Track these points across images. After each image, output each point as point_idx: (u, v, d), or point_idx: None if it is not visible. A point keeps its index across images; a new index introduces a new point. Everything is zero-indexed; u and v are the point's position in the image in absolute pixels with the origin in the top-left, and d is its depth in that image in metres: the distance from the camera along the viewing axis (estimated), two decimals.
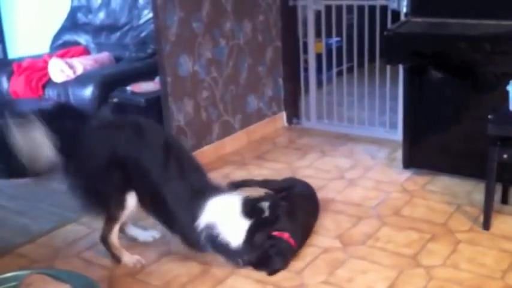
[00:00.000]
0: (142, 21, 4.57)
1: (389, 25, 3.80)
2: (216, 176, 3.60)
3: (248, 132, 4.25)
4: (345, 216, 3.07)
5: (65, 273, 2.23)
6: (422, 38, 3.22)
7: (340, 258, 2.66)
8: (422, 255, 2.65)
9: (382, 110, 4.20)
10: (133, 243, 2.87)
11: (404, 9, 3.77)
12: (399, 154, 3.64)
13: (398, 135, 3.88)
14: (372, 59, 4.21)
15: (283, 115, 4.58)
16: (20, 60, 4.65)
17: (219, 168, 3.76)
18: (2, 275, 2.21)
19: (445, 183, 3.37)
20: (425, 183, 3.40)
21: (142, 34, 4.52)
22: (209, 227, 2.53)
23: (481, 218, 2.88)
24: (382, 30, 3.71)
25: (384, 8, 4.00)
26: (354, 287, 2.45)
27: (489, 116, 2.74)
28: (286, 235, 2.61)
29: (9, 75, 4.50)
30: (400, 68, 3.77)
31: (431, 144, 3.43)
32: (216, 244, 2.55)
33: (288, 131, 4.48)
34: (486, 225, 2.84)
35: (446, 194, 3.24)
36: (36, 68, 4.42)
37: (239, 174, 3.65)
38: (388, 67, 3.99)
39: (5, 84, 4.50)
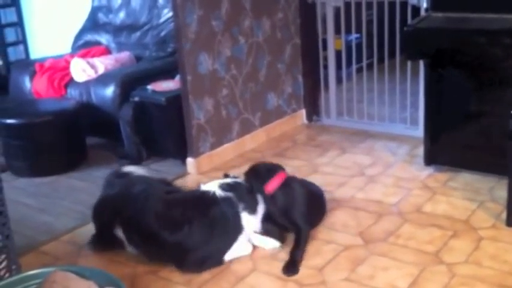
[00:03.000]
0: (162, 20, 4.60)
1: (409, 21, 3.78)
2: (236, 174, 3.62)
3: (268, 130, 4.25)
4: (366, 213, 3.05)
5: (88, 270, 2.25)
6: (443, 33, 3.19)
7: (362, 255, 2.66)
8: (444, 252, 2.63)
9: (402, 106, 4.17)
10: None
11: (424, 4, 3.74)
12: (420, 151, 3.61)
13: (419, 131, 3.86)
14: (392, 55, 4.18)
15: (303, 112, 4.57)
16: (42, 60, 4.71)
17: (239, 166, 3.76)
18: (27, 272, 2.24)
19: (466, 179, 3.34)
20: (446, 179, 3.37)
21: (162, 33, 4.55)
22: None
23: (504, 215, 2.85)
24: (402, 25, 3.69)
25: (404, 4, 3.97)
26: (376, 284, 2.44)
27: (511, 111, 2.71)
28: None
29: (32, 75, 4.56)
30: (421, 63, 3.74)
31: (452, 141, 3.39)
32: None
33: (308, 128, 4.47)
34: (509, 221, 2.81)
35: (468, 191, 3.21)
36: (58, 68, 4.47)
37: None
38: (409, 63, 3.95)
39: (28, 84, 4.56)
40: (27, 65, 4.83)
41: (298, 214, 2.80)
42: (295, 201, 2.81)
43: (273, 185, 2.78)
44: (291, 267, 2.59)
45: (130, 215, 2.70)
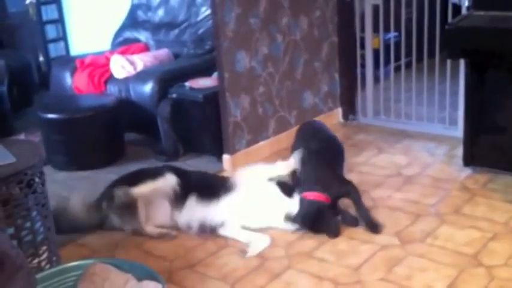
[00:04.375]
0: (200, 18, 4.63)
1: (449, 19, 3.72)
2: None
3: None
4: (403, 213, 3.02)
5: (127, 263, 2.29)
6: (485, 32, 3.13)
7: (398, 256, 2.63)
8: (483, 255, 2.59)
9: (441, 106, 4.10)
10: (190, 236, 2.93)
11: (466, 3, 3.67)
12: (459, 151, 3.56)
13: (458, 132, 3.80)
14: (431, 54, 4.12)
15: (339, 111, 4.55)
16: (82, 56, 4.79)
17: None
18: (67, 263, 2.29)
19: (506, 181, 3.27)
20: (486, 181, 3.31)
21: (200, 31, 4.58)
22: None
23: None
24: (442, 24, 3.63)
25: (445, 2, 3.91)
26: (413, 285, 2.42)
27: None
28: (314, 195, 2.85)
29: (73, 72, 4.64)
30: (461, 63, 3.68)
31: (492, 142, 3.33)
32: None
33: (344, 127, 4.45)
34: None
35: (508, 193, 3.14)
36: (98, 65, 4.54)
37: None
38: (448, 62, 3.90)
39: (69, 80, 4.65)
40: (68, 61, 4.92)
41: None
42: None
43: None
44: (373, 227, 2.84)
45: None
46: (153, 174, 3.09)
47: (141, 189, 2.97)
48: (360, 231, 2.87)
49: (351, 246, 2.75)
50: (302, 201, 2.87)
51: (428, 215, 2.99)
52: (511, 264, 2.51)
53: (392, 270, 2.53)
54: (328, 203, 2.85)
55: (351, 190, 2.92)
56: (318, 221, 2.83)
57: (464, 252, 2.62)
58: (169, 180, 3.05)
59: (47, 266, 2.44)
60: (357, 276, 2.51)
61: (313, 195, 2.85)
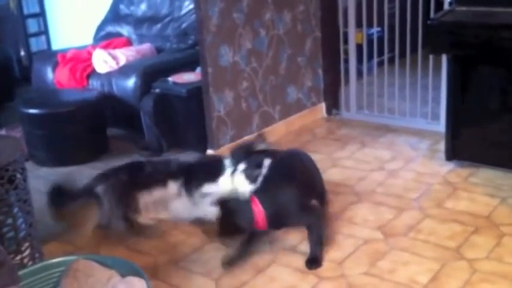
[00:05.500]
0: (183, 12, 4.61)
1: (432, 14, 3.74)
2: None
3: (287, 123, 4.25)
4: (386, 207, 3.05)
5: (110, 259, 2.27)
6: (467, 27, 3.15)
7: (382, 250, 2.65)
8: (465, 248, 2.62)
9: (424, 101, 4.13)
10: (177, 230, 2.92)
11: None
12: (441, 146, 3.59)
13: (440, 126, 3.83)
14: (413, 49, 4.15)
15: (323, 106, 4.56)
16: (64, 51, 4.74)
17: None
18: (50, 260, 2.27)
19: (488, 175, 3.31)
20: (468, 175, 3.34)
21: (183, 25, 4.56)
22: None
23: None
24: (425, 19, 3.65)
25: None
26: (396, 279, 2.44)
27: None
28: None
29: (54, 66, 4.60)
30: (444, 58, 3.70)
31: (474, 136, 3.36)
32: None
33: (328, 122, 4.46)
34: None
35: (490, 187, 3.18)
36: (81, 59, 4.50)
37: None
38: (431, 57, 3.92)
39: (50, 75, 4.60)
40: (50, 55, 4.87)
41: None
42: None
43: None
44: (312, 263, 2.58)
45: None
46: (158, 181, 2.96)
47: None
48: (343, 226, 2.89)
49: (335, 240, 2.76)
50: (245, 202, 2.55)
51: (411, 209, 3.01)
52: (492, 257, 2.54)
53: (375, 264, 2.55)
54: (261, 231, 2.57)
55: (312, 225, 2.61)
56: (232, 229, 2.55)
57: (447, 246, 2.65)
58: (173, 188, 2.94)
59: (30, 263, 2.41)
60: (341, 270, 2.52)
61: (258, 211, 2.50)
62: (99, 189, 2.90)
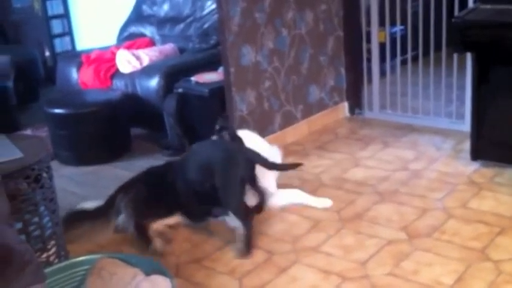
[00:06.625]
0: (205, 12, 4.62)
1: (456, 12, 3.70)
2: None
3: (309, 122, 4.24)
4: (410, 207, 3.02)
5: (134, 257, 2.29)
6: (492, 26, 3.11)
7: (405, 250, 2.63)
8: (490, 249, 2.58)
9: (448, 100, 4.09)
10: (198, 231, 2.93)
11: None
12: (466, 145, 3.54)
13: (465, 126, 3.78)
14: (437, 48, 4.10)
15: (345, 105, 4.53)
16: (88, 51, 4.79)
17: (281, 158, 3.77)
18: (75, 258, 2.30)
19: None
20: (493, 175, 3.29)
21: (205, 25, 4.57)
22: None
23: None
24: (448, 17, 3.61)
25: None
26: (420, 280, 2.41)
27: None
28: None
29: (79, 67, 4.65)
30: (468, 56, 3.66)
31: (500, 136, 3.31)
32: None
33: (350, 122, 4.43)
34: None
35: None
36: (104, 60, 4.55)
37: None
38: (455, 56, 3.88)
39: (75, 75, 4.66)
40: (74, 56, 4.93)
41: None
42: None
43: None
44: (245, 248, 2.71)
45: None
46: None
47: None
48: (366, 226, 2.87)
49: (358, 240, 2.75)
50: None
51: (435, 209, 2.98)
52: None
53: (399, 265, 2.53)
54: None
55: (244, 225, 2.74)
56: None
57: (472, 247, 2.61)
58: None
59: (56, 261, 2.45)
60: (364, 271, 2.51)
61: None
62: (121, 203, 2.96)
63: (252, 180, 2.91)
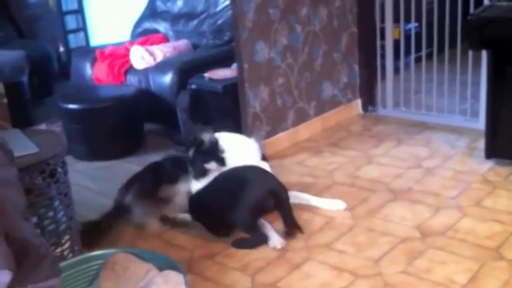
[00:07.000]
0: (219, 8, 4.63)
1: (471, 9, 3.67)
2: (290, 163, 3.63)
3: (323, 119, 4.23)
4: (423, 205, 3.00)
5: (147, 252, 2.30)
6: (508, 23, 3.08)
7: (419, 249, 2.62)
8: (505, 248, 2.56)
9: (462, 98, 4.06)
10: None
11: None
12: (480, 143, 3.52)
13: (479, 123, 3.76)
14: (452, 45, 4.07)
15: (359, 102, 4.52)
16: (102, 47, 4.82)
17: (294, 155, 3.77)
18: (89, 253, 2.31)
19: None
20: (508, 174, 3.27)
21: (219, 21, 4.58)
22: None
23: None
24: (464, 14, 3.58)
25: None
26: (433, 278, 2.40)
27: None
28: None
29: (93, 62, 4.68)
30: (483, 53, 3.63)
31: None
32: None
33: (363, 119, 4.42)
34: None
35: None
36: (118, 55, 4.56)
37: (313, 161, 3.66)
38: (470, 53, 3.85)
39: (89, 70, 4.68)
40: (88, 51, 4.95)
41: None
42: None
43: None
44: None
45: None
46: None
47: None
48: (379, 224, 2.86)
49: (371, 238, 2.74)
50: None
51: (449, 208, 2.96)
52: None
53: (412, 263, 2.52)
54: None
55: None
56: None
57: (486, 246, 2.60)
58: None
59: (70, 255, 2.46)
60: (377, 269, 2.50)
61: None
62: (128, 199, 3.01)
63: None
